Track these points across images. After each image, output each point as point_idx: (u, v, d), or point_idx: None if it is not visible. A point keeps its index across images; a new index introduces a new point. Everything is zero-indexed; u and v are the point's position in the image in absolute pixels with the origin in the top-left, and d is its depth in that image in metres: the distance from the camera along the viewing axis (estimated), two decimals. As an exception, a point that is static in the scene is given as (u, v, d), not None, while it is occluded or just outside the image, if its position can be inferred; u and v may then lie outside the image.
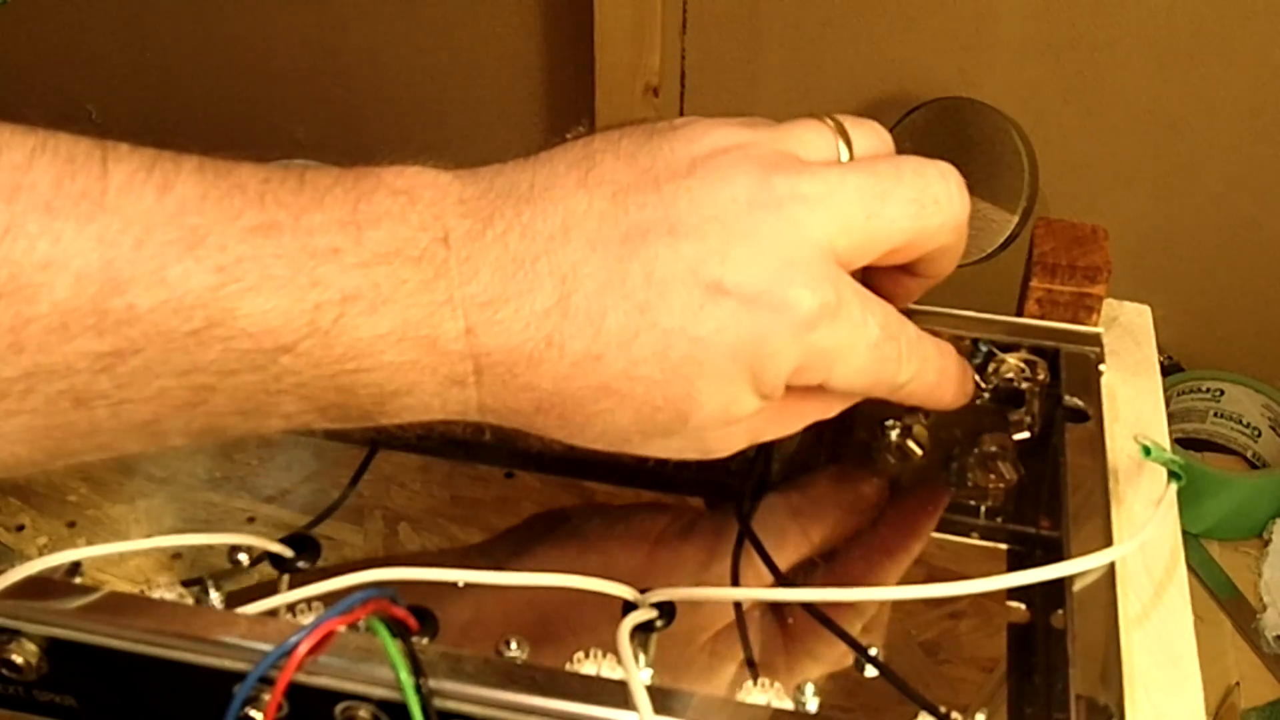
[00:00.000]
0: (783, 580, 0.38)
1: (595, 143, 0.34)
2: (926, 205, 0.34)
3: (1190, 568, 0.79)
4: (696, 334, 0.32)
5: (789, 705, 0.33)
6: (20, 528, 0.41)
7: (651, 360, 0.32)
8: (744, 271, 0.32)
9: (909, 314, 0.36)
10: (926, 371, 0.36)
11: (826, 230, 0.33)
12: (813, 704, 0.33)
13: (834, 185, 0.33)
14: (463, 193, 0.32)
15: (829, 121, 0.35)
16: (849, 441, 0.44)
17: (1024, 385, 0.43)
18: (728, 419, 0.34)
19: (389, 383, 0.31)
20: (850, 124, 0.35)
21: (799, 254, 0.32)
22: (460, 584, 0.36)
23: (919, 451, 0.44)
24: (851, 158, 0.35)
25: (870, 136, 0.36)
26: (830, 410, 0.37)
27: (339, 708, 0.31)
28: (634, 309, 0.32)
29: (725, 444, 0.35)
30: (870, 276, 0.38)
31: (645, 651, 0.34)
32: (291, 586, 0.35)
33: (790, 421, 0.36)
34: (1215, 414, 0.92)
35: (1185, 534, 0.39)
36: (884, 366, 0.35)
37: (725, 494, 0.41)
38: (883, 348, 0.34)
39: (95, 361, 0.28)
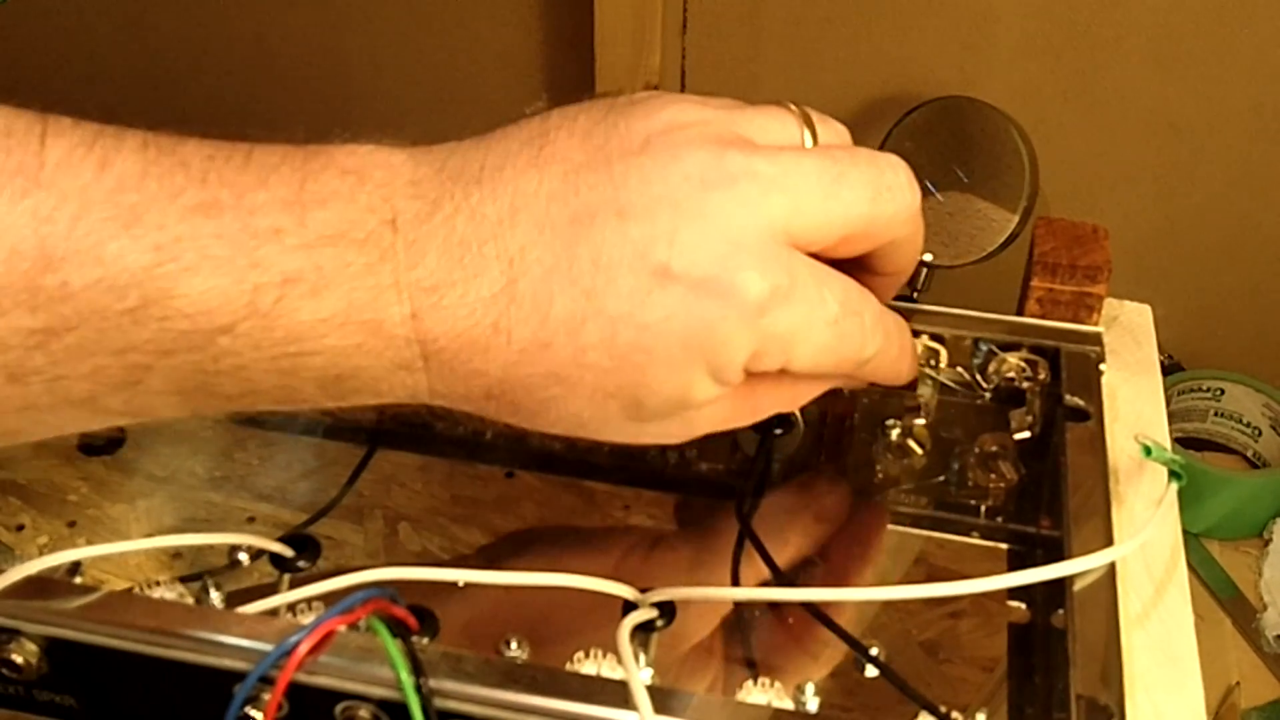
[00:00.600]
0: (783, 580, 0.38)
1: (552, 119, 0.33)
2: (881, 191, 0.34)
3: (1190, 567, 0.79)
4: (644, 321, 0.31)
5: (789, 705, 0.33)
6: (20, 528, 0.41)
7: (599, 347, 0.31)
8: (691, 255, 0.31)
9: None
10: (890, 346, 0.36)
11: (781, 209, 0.32)
12: (813, 704, 0.33)
13: (789, 166, 0.32)
14: (414, 173, 0.31)
15: (794, 109, 0.35)
16: (849, 441, 0.44)
17: (1024, 385, 0.43)
18: (686, 405, 0.33)
19: (332, 366, 0.31)
20: (815, 116, 0.35)
21: (749, 236, 0.31)
22: (460, 584, 0.36)
23: (919, 451, 0.44)
24: (816, 145, 0.34)
25: (832, 131, 0.35)
26: (799, 398, 0.36)
27: (339, 708, 0.31)
28: (581, 295, 0.31)
29: (687, 430, 0.34)
30: None
31: (645, 651, 0.34)
32: (291, 586, 0.35)
33: (757, 409, 0.35)
34: (1215, 413, 0.92)
35: (1185, 533, 0.39)
36: (846, 343, 0.34)
37: (725, 494, 0.41)
38: (843, 323, 0.33)
39: (28, 338, 0.28)
